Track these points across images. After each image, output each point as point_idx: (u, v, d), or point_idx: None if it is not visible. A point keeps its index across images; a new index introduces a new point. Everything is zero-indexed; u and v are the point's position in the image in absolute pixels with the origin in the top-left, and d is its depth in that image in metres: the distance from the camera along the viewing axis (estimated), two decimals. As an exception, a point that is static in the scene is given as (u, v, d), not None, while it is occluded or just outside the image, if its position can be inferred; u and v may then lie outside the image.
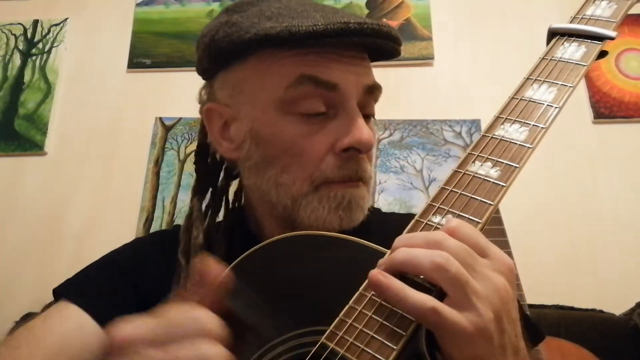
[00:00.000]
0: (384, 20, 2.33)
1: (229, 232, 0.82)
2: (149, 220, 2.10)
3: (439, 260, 0.48)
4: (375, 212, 0.88)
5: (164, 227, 2.09)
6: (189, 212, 0.83)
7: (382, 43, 0.74)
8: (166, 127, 2.24)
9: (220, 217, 0.87)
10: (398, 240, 0.53)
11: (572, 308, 1.72)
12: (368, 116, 0.77)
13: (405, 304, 0.49)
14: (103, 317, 0.73)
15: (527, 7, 2.31)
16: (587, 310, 1.71)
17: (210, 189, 0.86)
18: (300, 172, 0.72)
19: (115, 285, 0.78)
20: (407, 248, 0.51)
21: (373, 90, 0.77)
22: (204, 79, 0.83)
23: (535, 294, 1.61)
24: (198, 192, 0.84)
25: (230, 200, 0.89)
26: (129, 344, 0.44)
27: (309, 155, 0.72)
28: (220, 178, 0.87)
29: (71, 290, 0.78)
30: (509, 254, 1.66)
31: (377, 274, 0.51)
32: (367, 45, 0.76)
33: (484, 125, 2.22)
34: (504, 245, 1.67)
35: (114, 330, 0.45)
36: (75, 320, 0.73)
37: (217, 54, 0.76)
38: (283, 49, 0.71)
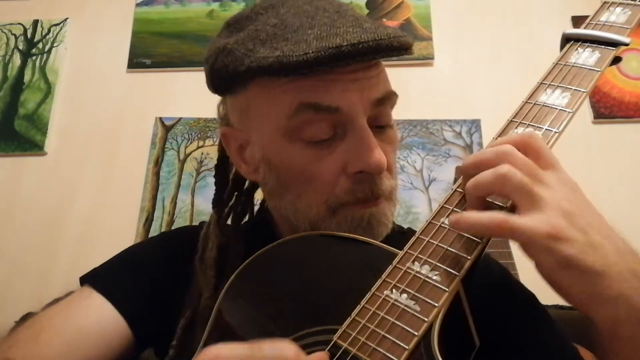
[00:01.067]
0: (384, 20, 2.33)
1: (251, 237, 0.82)
2: (149, 220, 2.10)
3: (502, 171, 0.52)
4: (401, 230, 0.87)
5: (164, 227, 2.09)
6: (209, 222, 0.83)
7: (383, 56, 0.69)
8: (166, 127, 2.24)
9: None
10: (468, 157, 0.58)
11: (572, 308, 1.70)
12: (384, 126, 0.74)
13: (476, 226, 0.53)
14: (126, 308, 0.74)
15: (527, 8, 2.32)
16: (587, 310, 1.71)
17: (236, 193, 0.86)
18: (315, 198, 0.71)
19: (138, 279, 0.79)
20: (473, 179, 0.55)
21: (384, 101, 0.73)
22: (217, 95, 0.83)
23: (536, 294, 1.61)
24: (217, 204, 0.84)
25: (258, 201, 0.89)
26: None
27: (320, 181, 0.70)
28: (247, 183, 0.87)
29: (97, 279, 0.78)
30: (509, 254, 1.66)
31: (452, 218, 0.56)
32: None
33: (484, 125, 2.23)
34: (505, 245, 1.67)
35: (208, 349, 0.47)
36: (97, 311, 0.74)
37: (219, 82, 0.76)
38: (279, 76, 0.68)
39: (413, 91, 2.18)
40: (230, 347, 0.47)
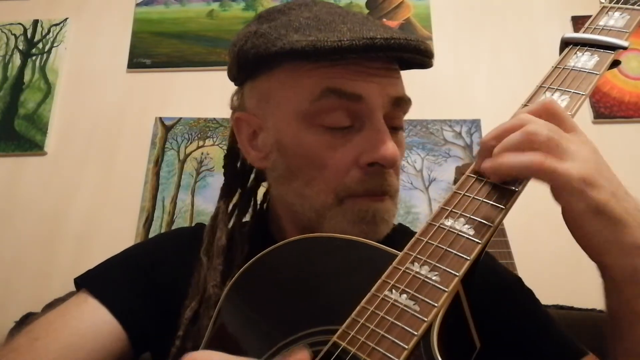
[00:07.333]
0: (384, 20, 2.33)
1: (252, 235, 0.83)
2: (149, 220, 2.10)
3: (530, 129, 0.54)
4: (401, 229, 0.88)
5: (164, 227, 2.09)
6: (215, 213, 0.83)
7: (410, 57, 0.73)
8: (166, 127, 2.24)
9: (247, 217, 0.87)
10: (488, 133, 0.59)
11: (572, 308, 1.72)
12: (397, 128, 0.76)
13: (518, 167, 0.54)
14: (121, 312, 0.75)
15: (527, 8, 2.32)
16: (587, 310, 1.71)
17: (240, 190, 0.86)
18: (324, 185, 0.72)
19: (134, 281, 0.79)
20: (500, 145, 0.56)
21: (400, 103, 0.75)
22: (235, 85, 0.84)
23: (536, 294, 1.60)
24: (225, 194, 0.85)
25: (259, 202, 0.89)
26: None
27: (332, 168, 0.71)
28: (250, 179, 0.88)
29: (92, 282, 0.79)
30: (509, 254, 1.66)
31: (485, 165, 0.57)
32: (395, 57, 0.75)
33: (483, 125, 2.22)
34: (505, 245, 1.67)
35: (197, 353, 0.47)
36: (93, 315, 0.74)
37: (244, 64, 0.77)
38: (309, 61, 0.71)
39: (413, 91, 2.16)
40: (222, 357, 0.47)
